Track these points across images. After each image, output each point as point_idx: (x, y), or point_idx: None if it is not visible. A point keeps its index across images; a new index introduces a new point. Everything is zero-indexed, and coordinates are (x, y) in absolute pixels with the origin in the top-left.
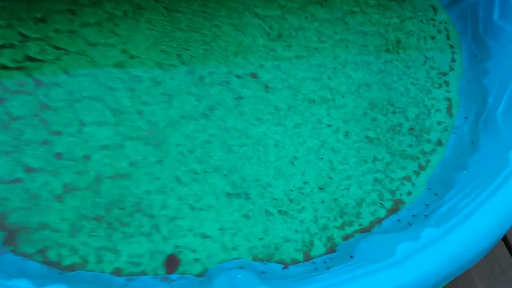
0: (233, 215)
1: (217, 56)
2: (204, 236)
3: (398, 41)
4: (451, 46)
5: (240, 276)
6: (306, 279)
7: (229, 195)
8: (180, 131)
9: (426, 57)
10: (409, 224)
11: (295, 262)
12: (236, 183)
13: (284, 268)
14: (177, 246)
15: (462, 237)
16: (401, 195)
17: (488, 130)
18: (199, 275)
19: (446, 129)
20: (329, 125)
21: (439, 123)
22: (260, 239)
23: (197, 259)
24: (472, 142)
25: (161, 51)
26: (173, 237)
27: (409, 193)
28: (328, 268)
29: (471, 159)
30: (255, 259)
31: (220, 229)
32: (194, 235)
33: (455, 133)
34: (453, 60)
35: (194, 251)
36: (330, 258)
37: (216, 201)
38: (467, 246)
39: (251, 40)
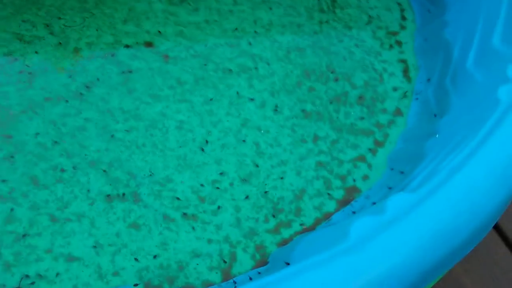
0: (114, 225)
1: (100, 24)
2: (70, 259)
3: (334, 0)
4: (399, 4)
5: None
6: None
7: (109, 197)
8: (43, 117)
9: (370, 16)
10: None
11: (208, 285)
12: (121, 180)
13: None
14: (27, 276)
15: (447, 202)
16: (354, 180)
17: (459, 85)
18: None
19: (405, 95)
20: (252, 99)
21: (395, 89)
22: (155, 256)
23: None
24: (440, 105)
25: (23, 21)
26: (21, 264)
27: (365, 177)
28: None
29: (443, 122)
30: (147, 286)
31: (94, 247)
32: (55, 257)
33: (416, 98)
34: (403, 18)
35: (53, 282)
36: (259, 273)
37: (90, 207)
38: (456, 216)
39: (146, 5)
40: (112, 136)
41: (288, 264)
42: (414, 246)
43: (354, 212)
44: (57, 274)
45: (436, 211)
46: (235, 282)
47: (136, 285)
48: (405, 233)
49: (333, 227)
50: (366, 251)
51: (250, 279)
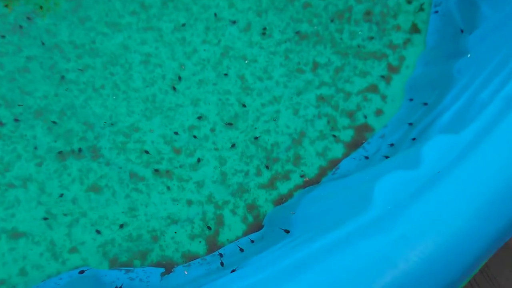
0: (69, 189)
1: None
2: (15, 235)
3: None
4: None
5: None
6: None
7: (61, 155)
8: None
9: None
10: (387, 157)
11: (190, 258)
12: (75, 133)
13: (165, 274)
14: None
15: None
16: (365, 117)
17: None
18: None
19: (421, 8)
20: (233, 22)
21: (408, 0)
22: (122, 226)
23: None
24: (467, 18)
25: None
26: None
27: (378, 112)
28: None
29: (473, 39)
30: (113, 264)
31: (45, 218)
32: None
33: (436, 11)
34: None
35: None
36: (253, 241)
37: (38, 168)
38: None
39: None
40: (62, 77)
41: (287, 232)
42: (469, 218)
43: (367, 158)
44: (1, 255)
45: (497, 161)
46: (221, 255)
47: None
48: (457, 198)
49: (345, 182)
50: (398, 229)
51: (241, 250)
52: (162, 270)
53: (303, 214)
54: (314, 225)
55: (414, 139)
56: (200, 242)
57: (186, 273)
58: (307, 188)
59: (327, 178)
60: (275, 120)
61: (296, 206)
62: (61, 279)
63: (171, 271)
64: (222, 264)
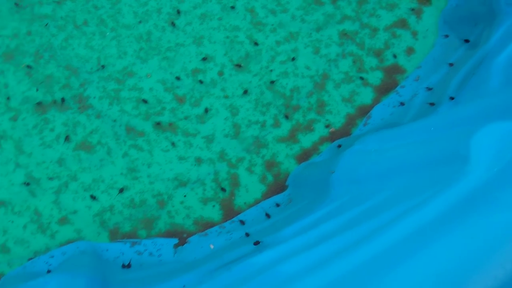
0: (53, 148)
1: None
2: None
3: None
4: None
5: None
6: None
7: (41, 106)
8: None
9: None
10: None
11: (204, 226)
12: (56, 79)
13: (178, 245)
14: None
15: None
16: (395, 56)
17: None
18: None
19: None
20: None
21: None
22: (122, 190)
23: None
24: None
25: None
26: None
27: (410, 51)
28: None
29: None
30: (114, 235)
31: (26, 184)
32: None
33: None
34: None
35: None
36: (278, 205)
37: (13, 123)
38: None
39: None
40: (35, 13)
41: (324, 194)
42: None
43: (402, 104)
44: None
45: None
46: (242, 222)
47: None
48: None
49: (401, 134)
50: None
51: (268, 216)
52: (175, 241)
53: (348, 173)
54: (369, 189)
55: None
56: (213, 206)
57: (212, 247)
58: (337, 141)
59: (358, 130)
60: (293, 60)
61: (332, 163)
62: (52, 257)
63: (186, 242)
64: (247, 234)
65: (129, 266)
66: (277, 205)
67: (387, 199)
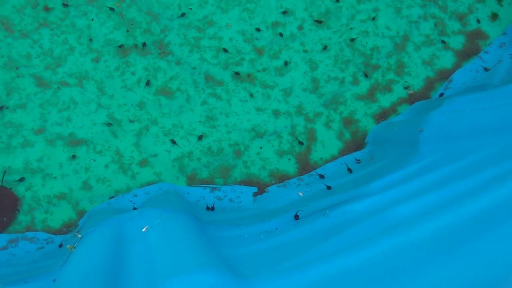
0: (134, 91)
1: None
2: (74, 142)
3: None
4: None
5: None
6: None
7: (122, 49)
8: None
9: None
10: None
11: (279, 178)
12: (137, 23)
13: (257, 194)
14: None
15: None
16: (478, 21)
17: None
18: None
19: None
20: None
21: None
22: (200, 137)
23: None
24: None
25: None
26: (1, 150)
27: (493, 17)
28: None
29: None
30: (191, 180)
31: (108, 124)
32: (50, 141)
33: None
34: None
35: (51, 177)
36: (359, 161)
37: (95, 64)
38: None
39: None
40: None
41: (414, 151)
42: None
43: (487, 69)
44: (59, 166)
45: None
46: (321, 176)
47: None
48: None
49: (480, 96)
50: None
51: (350, 171)
52: (255, 189)
53: (438, 133)
54: (461, 149)
55: None
56: (289, 159)
57: (301, 194)
58: (417, 103)
59: (436, 96)
60: (373, 19)
61: (419, 122)
62: (135, 196)
63: (264, 191)
64: (329, 187)
65: (212, 208)
66: (358, 161)
67: (479, 161)
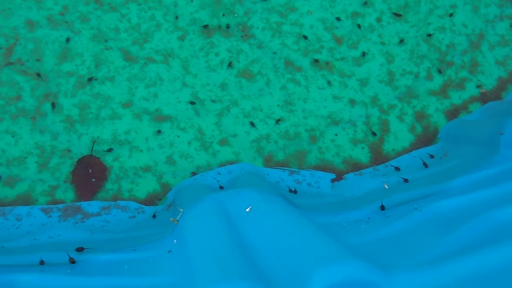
0: (217, 72)
1: None
2: (160, 118)
3: None
4: None
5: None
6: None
7: (207, 29)
8: None
9: None
10: None
11: (352, 165)
12: (223, 3)
13: (335, 180)
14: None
15: None
16: None
17: None
18: None
19: None
20: None
21: None
22: (278, 121)
23: None
24: None
25: None
26: (90, 121)
27: None
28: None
29: None
30: (268, 162)
31: (191, 103)
32: (137, 115)
33: None
34: None
35: (137, 150)
36: (432, 156)
37: (181, 42)
38: None
39: None
40: None
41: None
42: None
43: None
44: (145, 139)
45: None
46: (397, 169)
47: None
48: None
49: None
50: None
51: (425, 165)
52: (333, 176)
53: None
54: None
55: None
56: (363, 148)
57: (386, 187)
58: (490, 103)
59: (511, 94)
60: (451, 16)
61: (499, 124)
62: (219, 173)
63: (342, 178)
64: (406, 180)
65: (295, 191)
66: (431, 156)
67: None
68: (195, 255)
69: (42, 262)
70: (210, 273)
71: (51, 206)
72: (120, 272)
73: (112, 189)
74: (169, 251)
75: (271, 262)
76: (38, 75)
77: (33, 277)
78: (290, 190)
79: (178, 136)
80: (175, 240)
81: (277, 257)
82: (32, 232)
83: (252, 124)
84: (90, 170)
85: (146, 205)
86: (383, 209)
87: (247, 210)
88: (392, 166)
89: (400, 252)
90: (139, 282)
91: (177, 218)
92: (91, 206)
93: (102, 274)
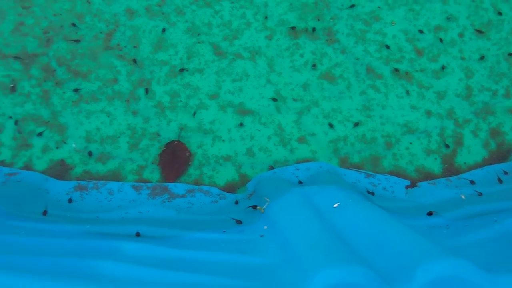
0: (301, 72)
1: None
2: (243, 111)
3: None
4: None
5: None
6: None
7: (294, 31)
8: None
9: None
10: None
11: (424, 174)
12: (309, 7)
13: (409, 187)
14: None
15: None
16: None
17: None
18: None
19: None
20: None
21: None
22: (356, 125)
23: None
24: None
25: None
26: (179, 108)
27: None
28: None
29: None
30: (343, 163)
31: (273, 99)
32: (222, 107)
33: None
34: None
35: (220, 139)
36: (506, 173)
37: (268, 42)
38: None
39: None
40: None
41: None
42: None
43: None
44: (228, 131)
45: None
46: (472, 182)
47: None
48: None
49: None
50: None
51: (500, 181)
52: (407, 182)
53: None
54: None
55: None
56: (435, 159)
57: (463, 197)
58: None
59: None
60: None
61: None
62: (298, 169)
63: (415, 186)
64: (480, 193)
65: (373, 193)
66: (505, 172)
67: None
68: (296, 241)
69: (138, 234)
70: (317, 258)
71: (141, 184)
72: (219, 248)
73: (194, 174)
74: (261, 236)
75: (372, 254)
76: (134, 61)
77: (136, 246)
78: (368, 192)
79: (259, 130)
80: (265, 227)
81: (377, 250)
82: (123, 206)
83: (331, 125)
84: (177, 154)
85: (230, 192)
86: (430, 214)
87: (335, 206)
88: (466, 179)
89: (494, 256)
90: (243, 259)
91: (264, 207)
92: (178, 187)
93: (200, 248)
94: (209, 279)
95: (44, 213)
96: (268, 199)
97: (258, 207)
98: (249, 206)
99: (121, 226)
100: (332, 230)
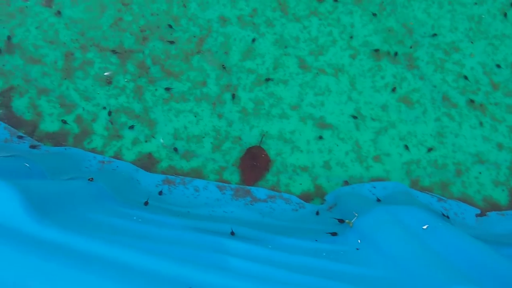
0: (381, 93)
1: None
2: (322, 125)
3: None
4: None
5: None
6: None
7: (377, 53)
8: None
9: None
10: None
11: (492, 205)
12: (394, 32)
13: (479, 215)
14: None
15: None
16: None
17: None
18: None
19: None
20: None
21: None
22: (430, 150)
23: None
24: None
25: None
26: (261, 117)
27: None
28: None
29: None
30: (414, 185)
31: (353, 117)
32: (303, 118)
33: None
34: None
35: (298, 150)
36: None
37: (351, 60)
38: None
39: None
40: None
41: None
42: None
43: None
44: (307, 142)
45: None
46: None
47: None
48: None
49: None
50: None
51: None
52: (478, 211)
53: None
54: None
55: None
56: (503, 191)
57: None
58: None
59: None
60: None
61: None
62: (374, 187)
63: (485, 215)
64: None
65: (448, 217)
66: None
67: None
68: (404, 257)
69: (232, 233)
70: (442, 276)
71: (225, 184)
72: (320, 256)
73: (271, 180)
74: (357, 249)
75: (477, 276)
76: (224, 66)
77: (240, 245)
78: (444, 215)
79: (337, 145)
80: (359, 240)
81: (480, 274)
82: (209, 204)
83: (406, 147)
84: (257, 160)
85: (307, 202)
86: None
87: (424, 227)
88: None
89: None
90: (349, 269)
91: (352, 221)
92: (259, 192)
93: (306, 254)
94: (331, 284)
95: (146, 203)
96: (356, 214)
97: (346, 221)
98: (336, 219)
99: (214, 224)
100: (431, 250)
